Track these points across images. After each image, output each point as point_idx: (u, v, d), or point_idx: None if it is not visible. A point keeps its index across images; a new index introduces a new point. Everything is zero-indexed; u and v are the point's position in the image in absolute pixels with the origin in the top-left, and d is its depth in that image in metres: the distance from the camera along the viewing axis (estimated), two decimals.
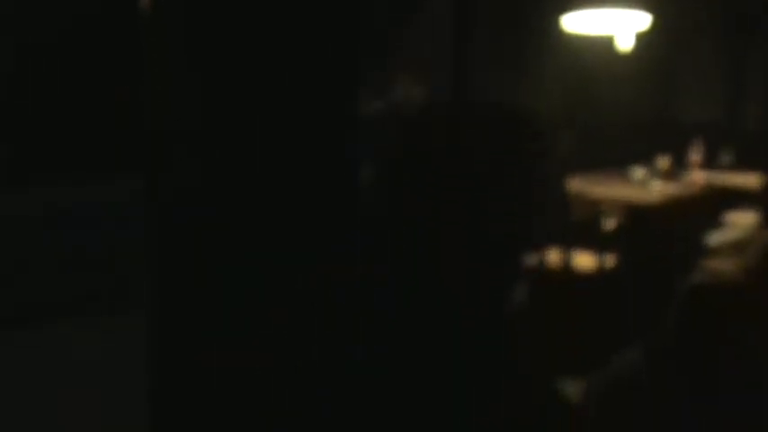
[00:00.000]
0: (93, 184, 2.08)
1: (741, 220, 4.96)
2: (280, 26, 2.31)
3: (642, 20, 4.60)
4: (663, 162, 5.55)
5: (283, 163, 2.33)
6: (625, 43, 4.98)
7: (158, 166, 2.18)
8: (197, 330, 2.21)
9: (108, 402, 2.04)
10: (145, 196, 2.13)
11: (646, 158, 5.54)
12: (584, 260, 4.44)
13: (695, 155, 5.64)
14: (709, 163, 5.64)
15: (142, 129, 2.16)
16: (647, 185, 5.28)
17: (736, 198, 5.05)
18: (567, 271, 4.15)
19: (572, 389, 1.83)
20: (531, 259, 1.41)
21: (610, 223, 4.58)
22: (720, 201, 5.08)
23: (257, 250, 2.25)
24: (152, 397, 2.10)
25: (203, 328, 2.22)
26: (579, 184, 4.93)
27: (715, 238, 4.88)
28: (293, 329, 1.40)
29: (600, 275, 4.37)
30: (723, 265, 4.55)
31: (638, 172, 5.38)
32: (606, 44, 5.08)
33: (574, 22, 4.61)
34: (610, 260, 4.48)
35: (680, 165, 5.61)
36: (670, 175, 5.48)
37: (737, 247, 4.64)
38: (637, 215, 4.78)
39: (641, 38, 5.10)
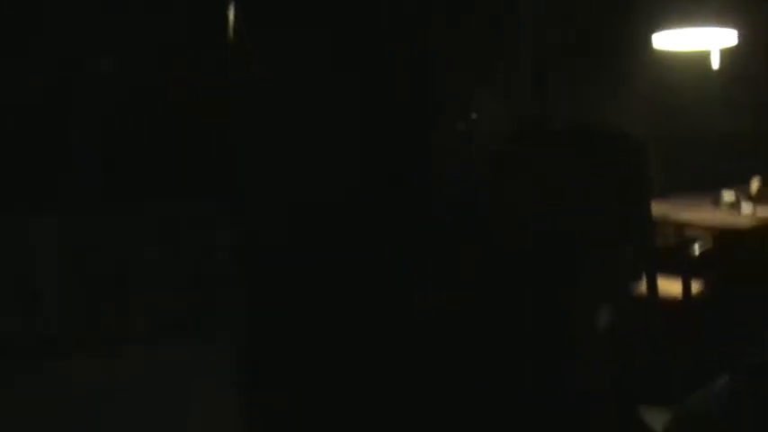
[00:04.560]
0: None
1: None
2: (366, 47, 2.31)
3: (731, 37, 4.46)
4: (755, 184, 5.35)
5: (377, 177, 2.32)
6: (716, 60, 4.84)
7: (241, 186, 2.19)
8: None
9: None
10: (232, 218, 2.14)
11: (737, 181, 5.35)
12: (670, 286, 4.29)
13: None
14: None
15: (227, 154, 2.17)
16: (737, 209, 5.08)
17: None
18: (653, 297, 4.02)
19: (656, 419, 1.75)
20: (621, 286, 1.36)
21: (698, 248, 4.42)
22: None
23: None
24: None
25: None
26: (666, 208, 4.79)
27: None
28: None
29: (687, 302, 4.22)
30: None
31: (728, 195, 5.19)
32: (698, 62, 4.95)
33: (664, 40, 4.51)
34: (697, 286, 4.32)
35: None
36: (762, 198, 5.27)
37: None
38: (727, 240, 4.60)
39: (735, 55, 4.95)
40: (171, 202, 2.09)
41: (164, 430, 1.99)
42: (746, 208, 5.06)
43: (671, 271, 4.34)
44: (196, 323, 2.11)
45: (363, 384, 2.03)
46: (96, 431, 1.90)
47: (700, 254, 4.37)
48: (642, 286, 3.92)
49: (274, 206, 2.25)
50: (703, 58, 4.93)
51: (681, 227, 4.79)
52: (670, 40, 4.50)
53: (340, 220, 2.25)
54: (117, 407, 1.95)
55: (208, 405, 2.08)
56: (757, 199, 5.23)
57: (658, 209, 4.45)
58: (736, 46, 4.61)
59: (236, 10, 2.12)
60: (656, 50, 4.70)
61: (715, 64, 4.88)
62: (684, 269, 4.31)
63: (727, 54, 4.88)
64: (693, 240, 4.57)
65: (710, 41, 4.55)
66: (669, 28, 4.38)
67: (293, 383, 2.14)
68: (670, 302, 4.24)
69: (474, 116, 2.58)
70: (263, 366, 2.18)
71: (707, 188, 5.29)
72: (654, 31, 4.46)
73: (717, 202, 5.19)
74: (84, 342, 1.89)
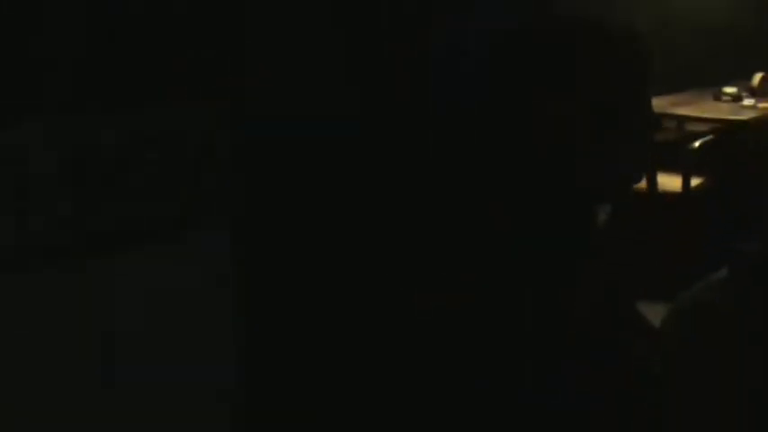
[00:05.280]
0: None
1: None
2: None
3: None
4: (757, 78, 5.30)
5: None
6: None
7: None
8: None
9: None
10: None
11: (738, 76, 5.29)
12: (669, 181, 4.31)
13: None
14: None
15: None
16: (738, 103, 5.05)
17: None
18: (652, 191, 4.04)
19: (655, 313, 1.78)
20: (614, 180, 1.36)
21: (697, 143, 4.41)
22: None
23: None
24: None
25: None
26: (666, 103, 4.76)
27: None
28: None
29: (686, 196, 4.24)
30: None
31: (729, 89, 5.15)
32: None
33: None
34: (697, 181, 4.34)
35: None
36: (764, 91, 5.23)
37: None
38: (727, 134, 4.59)
39: None
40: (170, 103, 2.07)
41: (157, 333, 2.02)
42: (748, 101, 5.04)
43: (671, 166, 4.35)
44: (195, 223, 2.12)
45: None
46: (93, 332, 1.93)
47: (699, 146, 4.37)
48: (642, 181, 3.94)
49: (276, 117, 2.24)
50: None
51: (682, 121, 4.78)
52: None
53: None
54: (110, 313, 1.97)
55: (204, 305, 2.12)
56: (759, 92, 5.20)
57: (659, 104, 4.42)
58: None
59: None
60: None
61: None
62: (684, 163, 4.32)
63: None
64: (694, 135, 4.56)
65: None
66: None
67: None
68: (670, 196, 4.27)
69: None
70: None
71: (708, 83, 5.24)
72: None
73: (718, 96, 5.15)
74: (79, 245, 1.90)
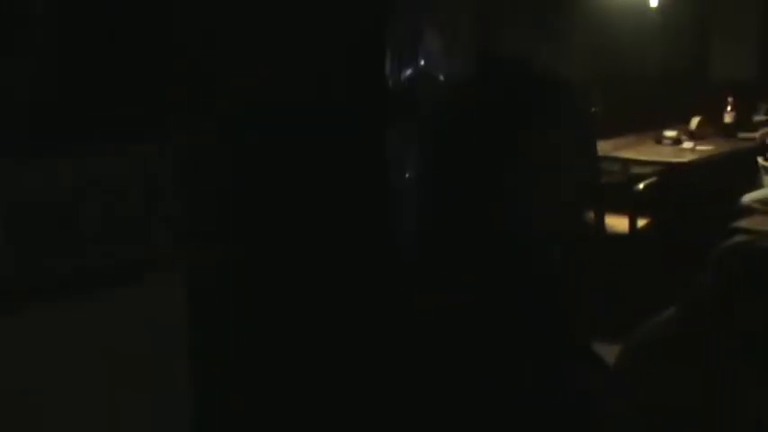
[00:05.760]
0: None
1: None
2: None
3: None
4: (694, 121, 5.49)
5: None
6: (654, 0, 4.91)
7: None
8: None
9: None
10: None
11: (678, 118, 5.47)
12: (616, 222, 4.41)
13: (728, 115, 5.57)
14: (744, 122, 5.56)
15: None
16: (678, 146, 5.23)
17: None
18: (600, 233, 4.13)
19: (608, 352, 1.83)
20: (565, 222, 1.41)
21: (642, 185, 4.54)
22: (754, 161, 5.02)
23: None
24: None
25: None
26: (611, 146, 4.89)
27: (749, 197, 4.84)
28: None
29: (633, 237, 4.34)
30: (757, 224, 4.51)
31: (670, 132, 5.33)
32: (635, 2, 5.01)
33: None
34: (643, 221, 4.45)
35: (713, 124, 5.54)
36: (702, 134, 5.42)
37: None
38: (669, 175, 4.73)
39: None
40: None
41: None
42: (687, 144, 5.21)
43: (618, 207, 4.46)
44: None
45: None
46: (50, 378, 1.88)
47: (644, 188, 4.49)
48: (589, 222, 4.03)
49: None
50: None
51: (626, 164, 4.91)
52: None
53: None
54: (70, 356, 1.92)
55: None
56: (697, 135, 5.38)
57: (604, 147, 4.55)
58: None
59: None
60: None
61: (653, 2, 4.95)
62: (630, 205, 4.43)
63: None
64: (638, 177, 4.69)
65: None
66: None
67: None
68: (618, 238, 4.37)
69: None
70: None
71: (648, 126, 5.41)
72: None
73: (659, 139, 5.33)
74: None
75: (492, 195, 1.30)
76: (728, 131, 5.57)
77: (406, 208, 1.98)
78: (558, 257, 1.38)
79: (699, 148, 5.13)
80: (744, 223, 4.55)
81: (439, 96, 1.42)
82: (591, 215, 4.10)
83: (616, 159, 4.87)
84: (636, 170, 4.85)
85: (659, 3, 5.35)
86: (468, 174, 1.31)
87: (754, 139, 5.29)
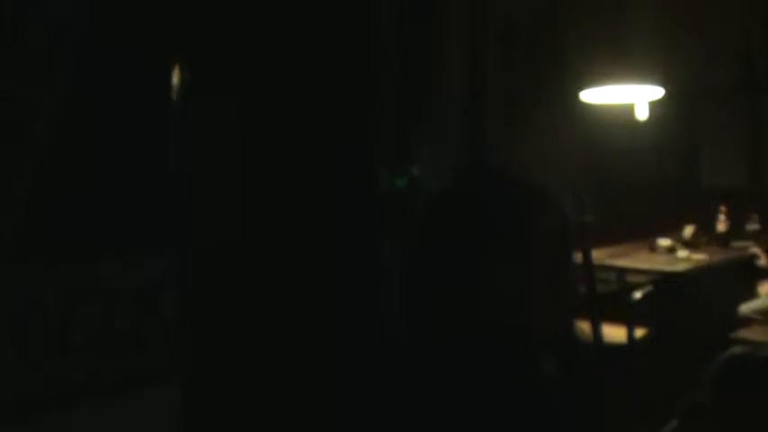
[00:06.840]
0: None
1: None
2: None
3: (656, 92, 4.64)
4: (688, 230, 5.52)
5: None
6: (642, 113, 5.01)
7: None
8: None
9: None
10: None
11: (670, 227, 5.51)
12: (614, 331, 4.38)
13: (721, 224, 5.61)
14: (736, 231, 5.60)
15: None
16: (673, 255, 5.24)
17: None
18: (596, 343, 4.09)
19: None
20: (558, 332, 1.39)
21: (639, 294, 4.52)
22: (751, 270, 5.02)
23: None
24: None
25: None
26: (604, 255, 4.90)
27: (746, 307, 4.82)
28: None
29: (630, 347, 4.30)
30: (755, 335, 4.48)
31: (664, 241, 5.35)
32: (626, 113, 5.12)
33: (591, 96, 4.66)
34: (641, 331, 4.41)
35: (706, 232, 5.58)
36: (696, 243, 5.45)
37: None
38: (664, 285, 4.72)
39: (658, 106, 5.13)
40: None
41: None
42: (682, 252, 5.22)
43: (614, 317, 4.43)
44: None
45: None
46: None
47: (641, 297, 4.47)
48: (585, 332, 3.99)
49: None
50: (632, 109, 5.10)
51: (621, 273, 4.90)
52: (597, 96, 4.66)
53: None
54: None
55: None
56: (691, 244, 5.40)
57: (598, 256, 4.55)
58: (663, 97, 4.79)
59: None
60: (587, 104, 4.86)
61: (641, 115, 5.05)
62: (627, 315, 4.41)
63: (654, 105, 5.06)
64: (634, 286, 4.68)
65: (635, 95, 4.72)
66: (594, 86, 4.53)
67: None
68: (615, 348, 4.32)
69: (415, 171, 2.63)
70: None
71: (641, 234, 5.44)
72: (582, 88, 4.62)
73: (653, 248, 5.34)
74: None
75: (476, 299, 1.29)
76: (722, 240, 5.59)
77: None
78: (551, 366, 1.36)
79: (694, 256, 5.14)
80: (742, 333, 4.51)
81: (426, 202, 1.42)
82: (586, 325, 4.07)
83: (611, 268, 4.86)
84: (631, 278, 4.85)
85: (650, 114, 5.47)
86: (451, 275, 1.30)
87: (747, 248, 5.31)
